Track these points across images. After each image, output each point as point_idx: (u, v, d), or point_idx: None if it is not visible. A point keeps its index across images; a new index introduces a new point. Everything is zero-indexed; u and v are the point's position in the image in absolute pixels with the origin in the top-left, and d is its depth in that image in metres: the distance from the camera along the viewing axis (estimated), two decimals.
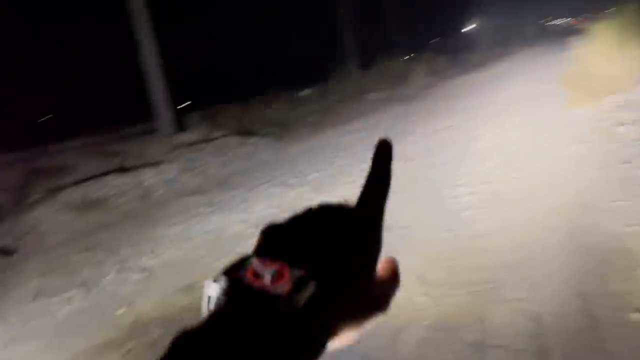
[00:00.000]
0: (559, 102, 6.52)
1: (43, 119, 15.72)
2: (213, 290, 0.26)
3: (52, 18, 14.87)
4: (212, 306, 0.26)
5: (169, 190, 5.89)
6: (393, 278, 0.30)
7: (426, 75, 12.53)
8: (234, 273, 0.26)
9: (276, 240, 0.29)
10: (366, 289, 0.29)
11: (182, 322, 0.24)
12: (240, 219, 4.25)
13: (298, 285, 0.25)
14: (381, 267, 0.30)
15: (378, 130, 7.18)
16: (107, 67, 15.19)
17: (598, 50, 7.56)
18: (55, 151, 8.88)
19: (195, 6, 17.39)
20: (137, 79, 9.43)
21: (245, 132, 8.22)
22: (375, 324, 0.28)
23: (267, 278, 0.25)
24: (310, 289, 0.25)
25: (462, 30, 29.44)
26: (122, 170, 6.82)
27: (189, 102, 12.03)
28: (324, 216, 0.31)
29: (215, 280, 0.26)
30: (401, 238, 3.07)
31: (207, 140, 7.85)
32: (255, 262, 0.26)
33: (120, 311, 3.12)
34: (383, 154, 0.34)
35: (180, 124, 9.24)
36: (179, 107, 10.01)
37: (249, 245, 0.27)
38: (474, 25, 28.63)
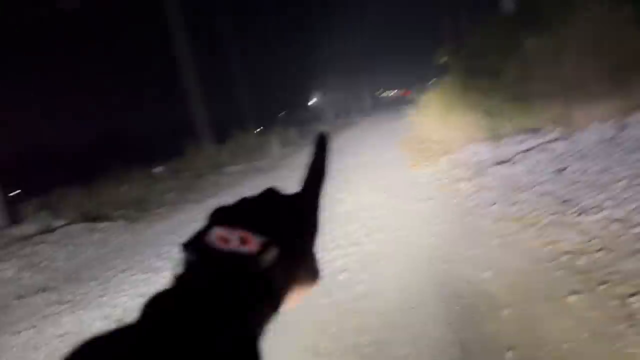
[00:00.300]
0: (403, 165, 8.06)
1: None
2: (185, 254, 0.35)
3: None
4: (184, 268, 0.35)
5: (8, 292, 5.73)
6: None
7: (280, 147, 14.90)
8: (202, 239, 0.36)
9: (230, 214, 0.40)
10: (309, 259, 0.42)
11: None
12: (100, 315, 4.24)
13: (264, 248, 0.35)
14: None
15: None
16: None
17: (427, 118, 9.78)
18: None
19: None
20: None
21: (95, 217, 8.77)
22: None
23: (235, 242, 0.35)
24: (273, 252, 0.35)
25: (308, 103, 34.81)
26: None
27: (19, 190, 12.73)
28: (272, 196, 0.45)
29: (186, 245, 0.36)
30: (282, 313, 3.12)
31: (49, 230, 8.22)
32: (219, 229, 0.36)
33: None
34: (321, 145, 0.49)
35: (14, 216, 9.58)
36: (10, 194, 10.48)
37: None
38: (317, 98, 33.96)
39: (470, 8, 13.15)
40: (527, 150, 6.36)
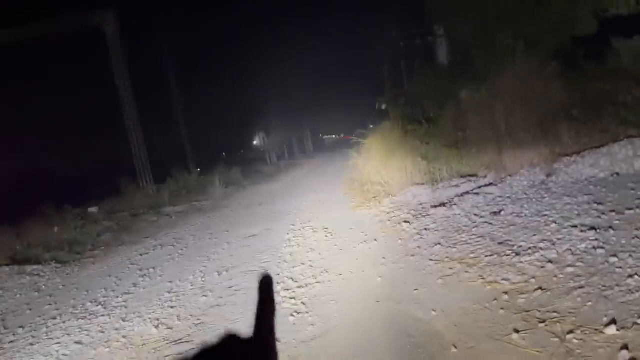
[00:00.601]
0: (347, 206, 8.18)
1: None
2: None
3: None
4: None
5: None
6: None
7: (223, 187, 14.62)
8: None
9: None
10: None
11: None
12: None
13: None
14: None
15: (183, 244, 7.74)
16: None
17: (369, 161, 10.06)
18: None
19: None
20: None
21: (24, 259, 8.22)
22: None
23: None
24: None
25: (251, 143, 35.03)
26: None
27: None
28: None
29: None
30: None
31: None
32: None
33: None
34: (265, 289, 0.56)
35: None
36: None
37: None
38: (260, 139, 34.19)
39: (409, 58, 14.01)
40: (464, 193, 6.68)
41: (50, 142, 20.48)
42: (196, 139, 23.10)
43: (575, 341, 2.58)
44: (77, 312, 5.13)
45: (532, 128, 7.21)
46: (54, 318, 5.05)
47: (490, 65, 8.20)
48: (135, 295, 5.33)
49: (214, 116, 28.92)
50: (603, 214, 4.52)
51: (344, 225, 6.81)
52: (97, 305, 5.20)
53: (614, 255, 3.50)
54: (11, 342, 4.59)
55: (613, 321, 2.66)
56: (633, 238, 3.75)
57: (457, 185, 7.18)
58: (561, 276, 3.42)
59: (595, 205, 4.83)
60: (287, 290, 4.46)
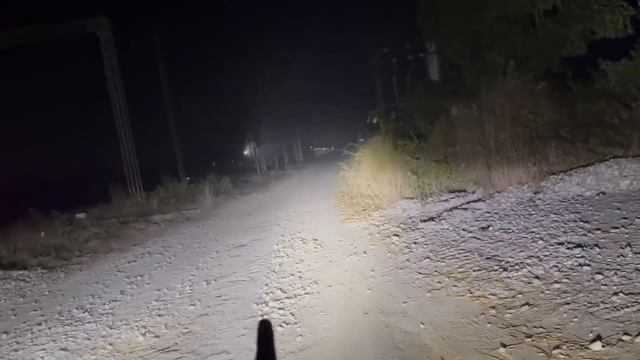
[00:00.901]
0: (336, 218, 8.19)
1: None
2: None
3: None
4: None
5: None
6: None
7: (213, 196, 14.63)
8: None
9: None
10: None
11: None
12: None
13: None
14: None
15: (171, 252, 7.69)
16: None
17: (359, 174, 10.12)
18: None
19: None
20: None
21: (9, 264, 8.09)
22: None
23: None
24: None
25: (242, 153, 35.16)
26: None
27: None
28: None
29: None
30: None
31: None
32: None
33: None
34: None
35: None
36: None
37: None
38: (251, 149, 34.29)
39: (401, 74, 14.20)
40: (453, 208, 6.74)
41: (39, 148, 20.36)
42: (187, 148, 23.08)
43: (561, 356, 2.62)
44: (62, 318, 5.05)
45: (520, 146, 7.33)
46: (39, 324, 4.97)
47: (481, 82, 8.35)
48: (122, 303, 5.27)
49: (205, 125, 28.97)
50: (589, 232, 4.59)
51: (334, 237, 6.82)
52: (84, 312, 5.12)
53: (600, 273, 3.56)
54: None
55: (598, 337, 2.70)
56: (618, 256, 3.82)
57: (446, 200, 7.25)
58: (548, 292, 3.46)
59: (582, 223, 4.91)
60: (276, 300, 4.45)
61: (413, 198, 7.77)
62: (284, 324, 3.84)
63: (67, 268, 7.76)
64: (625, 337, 2.65)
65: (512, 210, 6.05)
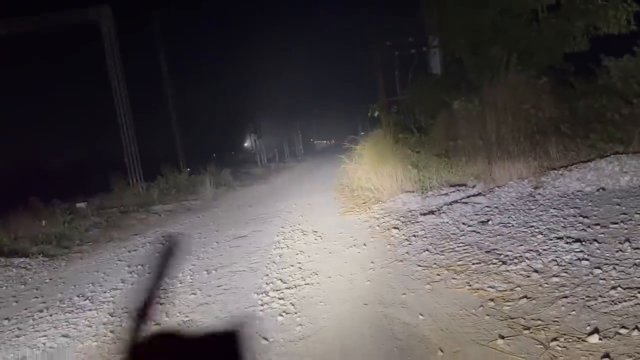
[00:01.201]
0: (337, 210, 8.21)
1: None
2: None
3: None
4: None
5: None
6: None
7: (213, 187, 14.65)
8: None
9: None
10: None
11: None
12: (16, 356, 3.90)
13: None
14: None
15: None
16: None
17: (360, 167, 10.14)
18: None
19: None
20: None
21: (10, 252, 8.13)
22: None
23: None
24: None
25: (242, 145, 35.18)
26: None
27: None
28: None
29: None
30: None
31: None
32: None
33: None
34: None
35: None
36: None
37: None
38: (252, 141, 34.30)
39: (403, 67, 14.17)
40: (453, 202, 6.75)
41: (40, 137, 20.35)
42: (188, 139, 23.07)
43: (558, 348, 2.64)
44: (64, 305, 5.08)
45: (521, 140, 7.34)
46: (41, 311, 5.00)
47: (483, 77, 8.33)
48: (123, 291, 5.31)
49: (206, 117, 28.92)
50: (588, 227, 4.61)
51: (334, 229, 6.84)
52: (85, 300, 5.15)
53: (598, 267, 3.58)
54: None
55: (596, 330, 2.73)
56: (617, 251, 3.84)
57: (446, 194, 7.26)
58: (546, 285, 3.49)
59: (581, 218, 4.93)
60: (276, 290, 4.48)
61: (413, 191, 7.78)
62: (284, 314, 3.87)
63: (68, 256, 7.80)
64: (622, 331, 2.67)
65: (512, 204, 6.07)
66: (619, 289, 3.17)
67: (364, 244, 5.71)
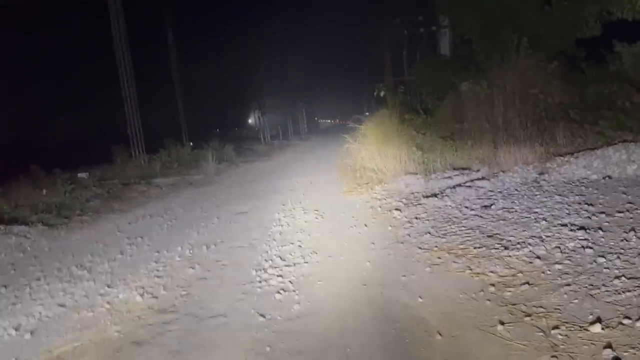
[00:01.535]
0: (339, 190, 8.14)
1: None
2: None
3: None
4: None
5: None
6: None
7: (215, 162, 14.50)
8: None
9: None
10: None
11: None
12: (12, 324, 3.84)
13: None
14: None
15: (172, 216, 7.70)
16: None
17: (364, 147, 10.01)
18: None
19: None
20: None
21: (10, 219, 8.07)
22: None
23: None
24: None
25: (245, 122, 34.96)
26: None
27: None
28: None
29: None
30: (215, 328, 3.32)
31: None
32: None
33: None
34: None
35: None
36: None
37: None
38: (255, 118, 34.07)
39: (411, 47, 13.91)
40: (456, 186, 6.67)
41: (42, 106, 20.23)
42: (191, 113, 22.89)
43: (559, 336, 2.59)
44: (61, 275, 5.06)
45: (529, 125, 7.21)
46: (38, 279, 4.99)
47: (493, 60, 8.15)
48: (121, 263, 5.28)
49: (210, 92, 28.65)
50: (593, 214, 4.54)
51: (335, 208, 6.78)
52: (83, 270, 5.13)
53: (602, 256, 3.51)
54: None
55: (598, 320, 2.67)
56: (622, 240, 3.78)
57: (450, 177, 7.17)
58: (549, 272, 3.43)
59: (586, 205, 4.86)
60: (275, 268, 4.44)
61: (417, 174, 7.69)
62: (282, 291, 3.82)
63: (67, 226, 7.78)
64: (625, 321, 2.62)
65: (516, 190, 5.99)
66: (622, 278, 3.11)
67: (365, 225, 5.65)
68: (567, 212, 4.76)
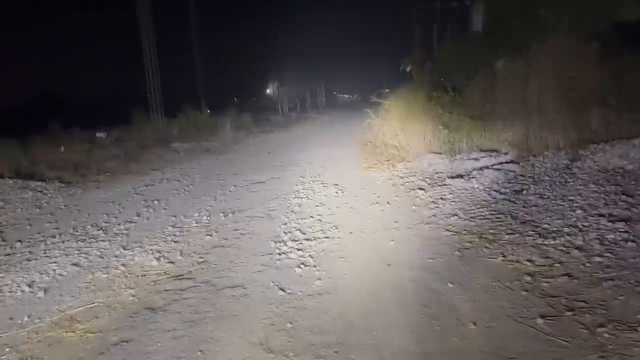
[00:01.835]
0: (358, 165, 7.92)
1: None
2: None
3: None
4: None
5: None
6: None
7: (233, 131, 14.48)
8: None
9: None
10: None
11: None
12: (26, 280, 3.78)
13: None
14: None
15: (189, 181, 7.59)
16: None
17: (387, 123, 9.70)
18: None
19: None
20: None
21: (27, 175, 8.05)
22: None
23: None
24: None
25: (264, 92, 34.59)
26: None
27: None
28: None
29: None
30: (234, 300, 3.17)
31: None
32: None
33: None
34: None
35: None
36: None
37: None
38: (274, 89, 33.66)
39: (442, 21, 13.36)
40: (483, 168, 6.38)
41: (64, 66, 20.22)
42: (210, 81, 22.64)
43: (606, 335, 2.38)
44: (77, 233, 4.97)
45: (563, 109, 6.84)
46: (53, 237, 4.90)
47: (529, 39, 7.70)
48: (137, 225, 5.17)
49: (229, 60, 28.29)
50: (633, 206, 4.26)
51: (355, 184, 6.56)
52: (98, 230, 5.03)
53: None
54: (8, 254, 4.46)
55: None
56: None
57: (476, 159, 6.88)
58: (589, 265, 3.19)
59: (624, 196, 4.56)
60: (295, 241, 4.26)
61: (441, 153, 7.41)
62: (302, 266, 3.66)
63: (84, 184, 7.71)
64: None
65: (547, 175, 5.69)
66: None
67: (388, 203, 5.43)
68: (604, 202, 4.47)
